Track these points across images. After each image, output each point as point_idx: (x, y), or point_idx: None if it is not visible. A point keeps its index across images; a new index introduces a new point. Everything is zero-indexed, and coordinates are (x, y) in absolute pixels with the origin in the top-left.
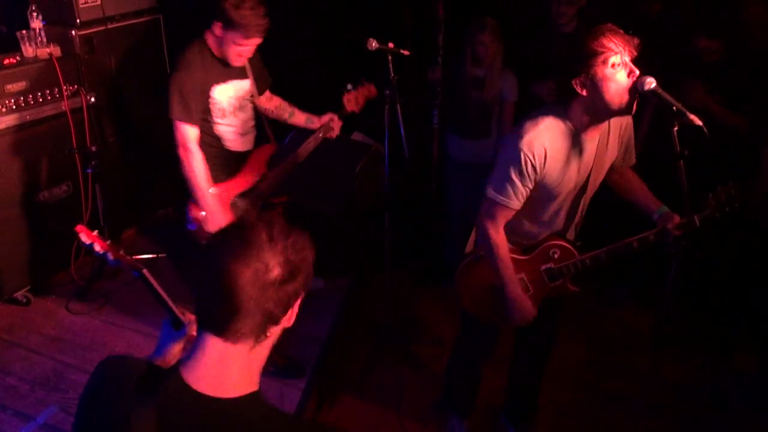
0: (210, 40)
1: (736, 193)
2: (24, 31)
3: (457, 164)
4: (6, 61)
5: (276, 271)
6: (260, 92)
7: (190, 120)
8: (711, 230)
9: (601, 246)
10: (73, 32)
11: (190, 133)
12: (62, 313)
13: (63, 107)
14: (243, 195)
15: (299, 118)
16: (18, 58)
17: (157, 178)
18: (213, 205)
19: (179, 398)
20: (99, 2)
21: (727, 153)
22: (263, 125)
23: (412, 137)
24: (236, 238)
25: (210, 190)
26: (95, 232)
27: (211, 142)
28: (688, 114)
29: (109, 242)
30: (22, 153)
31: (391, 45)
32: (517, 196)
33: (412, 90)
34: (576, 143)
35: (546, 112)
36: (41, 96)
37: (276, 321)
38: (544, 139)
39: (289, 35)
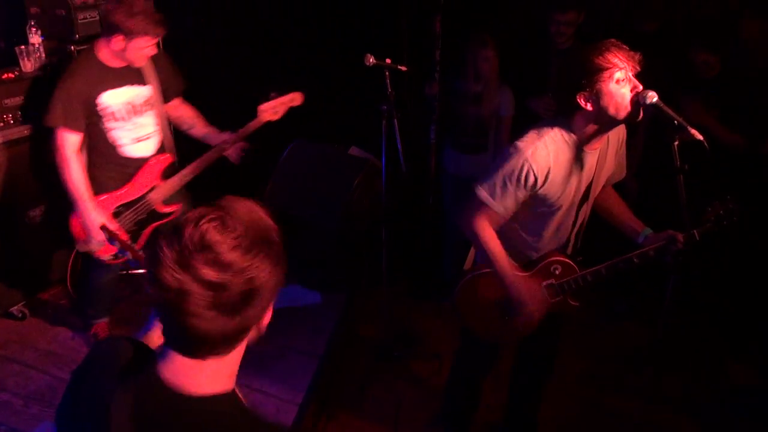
0: (100, 52)
1: (735, 206)
2: (23, 46)
3: (454, 179)
4: (4, 76)
5: (233, 291)
6: (166, 99)
7: (70, 126)
8: (709, 244)
9: (601, 261)
10: (72, 47)
11: (68, 140)
12: (58, 328)
13: None
14: (129, 204)
15: (199, 131)
16: (16, 72)
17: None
18: (91, 213)
19: (152, 391)
20: (97, 18)
21: (727, 168)
22: (166, 133)
23: (410, 152)
24: (172, 252)
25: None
26: (116, 227)
27: (104, 149)
28: (689, 128)
29: (127, 238)
30: (20, 167)
31: (388, 61)
32: (506, 202)
33: (409, 105)
34: (578, 156)
35: (551, 124)
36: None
37: (247, 331)
38: (549, 151)
39: (287, 52)
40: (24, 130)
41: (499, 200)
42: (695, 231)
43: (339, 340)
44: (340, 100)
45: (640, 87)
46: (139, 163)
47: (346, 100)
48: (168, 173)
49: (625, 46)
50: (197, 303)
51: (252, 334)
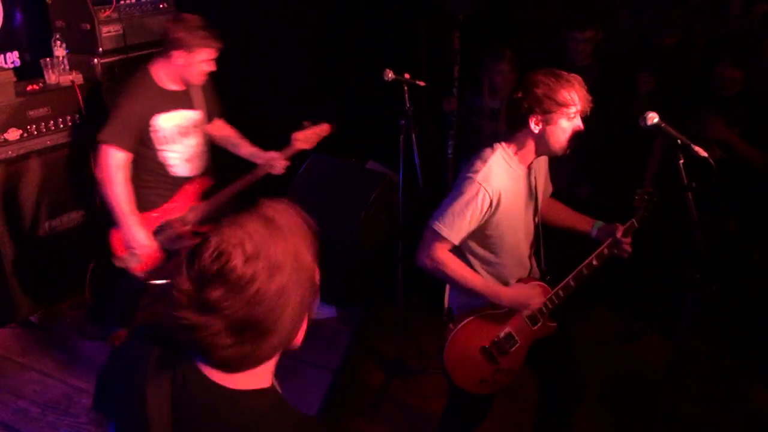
0: (157, 74)
1: (653, 190)
2: (47, 59)
3: None
4: (29, 88)
5: (252, 321)
6: (209, 120)
7: (119, 144)
8: (728, 264)
9: (566, 274)
10: (95, 60)
11: (115, 157)
12: (75, 337)
13: (83, 133)
14: (169, 223)
15: (244, 150)
16: (41, 84)
17: None
18: (134, 229)
19: (190, 377)
20: (121, 31)
21: (747, 183)
22: (208, 156)
23: (427, 167)
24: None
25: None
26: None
27: (154, 168)
28: (693, 146)
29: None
30: (42, 177)
31: (407, 76)
32: (461, 231)
33: (427, 120)
34: (522, 176)
35: (491, 149)
36: (62, 122)
37: (279, 350)
38: (497, 173)
39: (307, 67)
40: (46, 141)
41: (456, 229)
42: (633, 220)
43: (353, 354)
44: (359, 115)
45: (582, 127)
46: (185, 182)
47: (365, 115)
48: (206, 194)
49: (586, 87)
50: (216, 334)
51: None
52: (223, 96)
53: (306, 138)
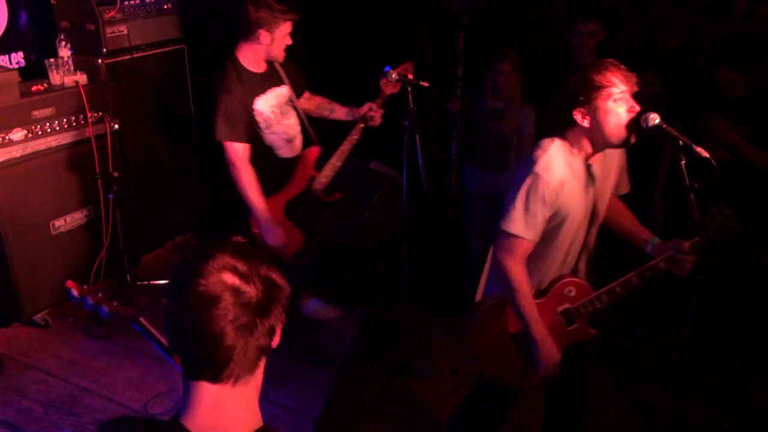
0: (243, 57)
1: (732, 212)
2: (52, 59)
3: (475, 196)
4: (34, 88)
5: (251, 295)
6: (298, 95)
7: (237, 137)
8: (729, 265)
9: (613, 280)
10: (100, 61)
11: (238, 150)
12: (80, 337)
13: (87, 133)
14: (295, 201)
15: (340, 112)
16: (45, 85)
17: (176, 205)
18: (269, 218)
19: None
20: (126, 32)
21: (751, 185)
22: (307, 128)
23: (431, 168)
24: (194, 280)
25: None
26: (85, 287)
27: (265, 152)
28: (695, 147)
29: (101, 295)
30: (46, 177)
31: (410, 76)
32: (535, 226)
33: (431, 121)
34: (580, 171)
35: (550, 140)
36: (67, 122)
37: (268, 351)
38: (557, 162)
39: (310, 67)
40: (51, 141)
41: (530, 227)
42: (698, 238)
43: (357, 354)
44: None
45: (638, 108)
46: (294, 161)
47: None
48: (320, 163)
49: (623, 67)
50: (225, 309)
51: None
52: None
53: (393, 82)
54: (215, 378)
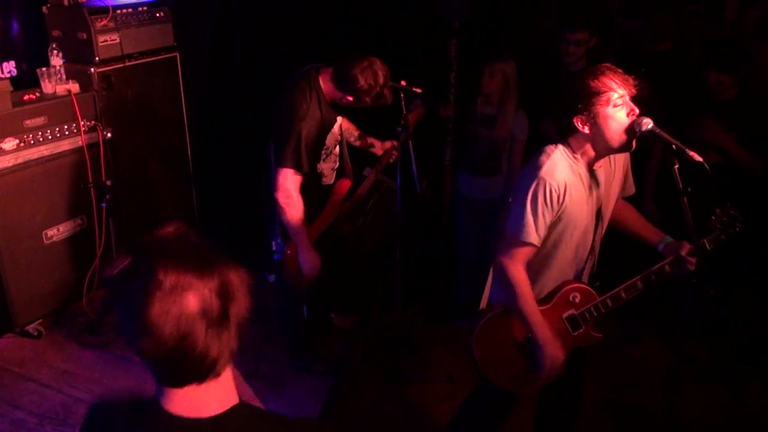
0: (324, 83)
1: (736, 213)
2: (44, 68)
3: (468, 201)
4: (26, 97)
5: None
6: None
7: (299, 168)
8: (725, 266)
9: (616, 285)
10: (92, 69)
11: (294, 181)
12: (73, 347)
13: (80, 142)
14: (325, 233)
15: (364, 142)
16: (37, 94)
17: (169, 214)
18: (310, 248)
19: (163, 425)
20: (118, 40)
21: (744, 187)
22: (345, 157)
23: (424, 174)
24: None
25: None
26: None
27: (310, 181)
28: (688, 151)
29: None
30: (38, 187)
31: (403, 83)
32: (538, 230)
33: (424, 127)
34: (586, 174)
35: (554, 146)
36: (59, 131)
37: (243, 332)
38: (561, 167)
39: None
40: (43, 151)
41: (534, 231)
42: (705, 240)
43: (351, 361)
44: (356, 121)
45: (637, 110)
46: (330, 190)
47: (362, 122)
48: (348, 196)
49: (620, 70)
50: (198, 334)
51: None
52: (221, 101)
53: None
54: (201, 380)
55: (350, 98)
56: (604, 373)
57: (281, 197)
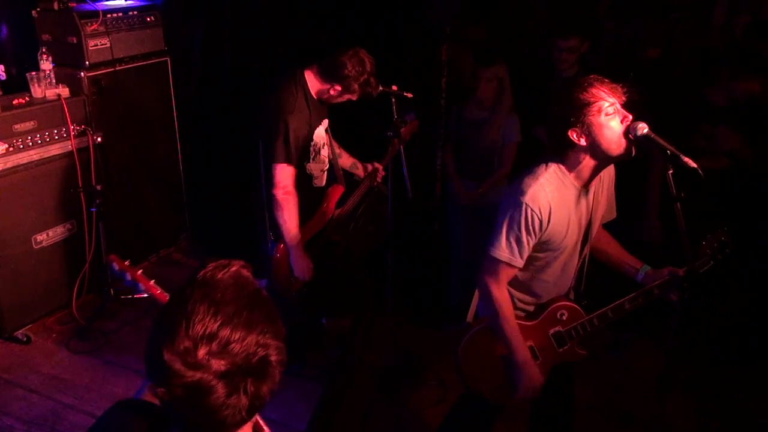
0: (311, 82)
1: (727, 238)
2: (33, 73)
3: (459, 205)
4: (15, 101)
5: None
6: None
7: (291, 161)
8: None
9: (605, 304)
10: (82, 74)
11: (289, 175)
12: (62, 353)
13: (70, 147)
14: (316, 236)
15: (345, 161)
16: (27, 98)
17: (160, 218)
18: (301, 249)
19: None
20: (108, 45)
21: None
22: (334, 161)
23: (415, 178)
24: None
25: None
26: (126, 262)
27: (302, 182)
28: (682, 157)
29: (140, 273)
30: (28, 191)
31: (394, 87)
32: (521, 253)
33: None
34: (575, 196)
35: (545, 163)
36: (48, 136)
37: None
38: (547, 191)
39: None
40: (33, 155)
41: (515, 253)
42: (696, 266)
43: (343, 366)
44: (347, 126)
45: (630, 117)
46: (321, 193)
47: (353, 126)
48: (340, 203)
49: (607, 80)
50: (218, 395)
51: None
52: (212, 105)
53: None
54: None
55: (338, 87)
56: (594, 379)
57: (279, 193)
